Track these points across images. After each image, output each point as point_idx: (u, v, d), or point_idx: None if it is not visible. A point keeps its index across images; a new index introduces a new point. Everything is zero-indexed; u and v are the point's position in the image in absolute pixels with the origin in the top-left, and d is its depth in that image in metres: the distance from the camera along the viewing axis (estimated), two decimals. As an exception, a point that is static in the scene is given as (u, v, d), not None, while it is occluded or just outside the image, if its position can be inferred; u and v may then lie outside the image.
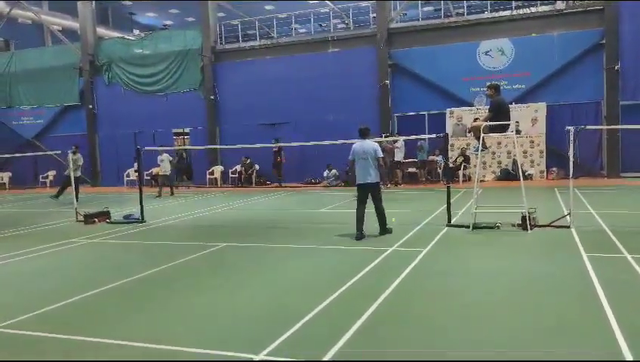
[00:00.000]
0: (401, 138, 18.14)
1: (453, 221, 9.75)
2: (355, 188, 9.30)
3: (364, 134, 9.08)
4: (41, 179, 26.02)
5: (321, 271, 6.90)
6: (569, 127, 9.39)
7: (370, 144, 8.93)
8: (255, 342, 4.33)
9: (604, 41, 18.30)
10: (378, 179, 8.98)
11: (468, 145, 19.01)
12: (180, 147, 26.16)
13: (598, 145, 18.93)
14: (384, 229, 9.06)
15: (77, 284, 6.56)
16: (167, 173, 18.46)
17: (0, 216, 14.81)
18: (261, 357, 4.05)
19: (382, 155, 8.93)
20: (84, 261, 8.23)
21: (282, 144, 19.35)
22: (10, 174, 26.96)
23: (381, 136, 19.12)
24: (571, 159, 9.37)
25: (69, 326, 5.00)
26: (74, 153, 15.76)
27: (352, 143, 9.34)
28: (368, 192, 8.97)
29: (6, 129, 27.37)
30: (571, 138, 9.21)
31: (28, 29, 30.33)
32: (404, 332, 4.52)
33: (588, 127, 11.62)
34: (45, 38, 30.58)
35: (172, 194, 18.62)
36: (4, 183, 26.67)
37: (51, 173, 25.72)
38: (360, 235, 8.74)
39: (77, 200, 13.68)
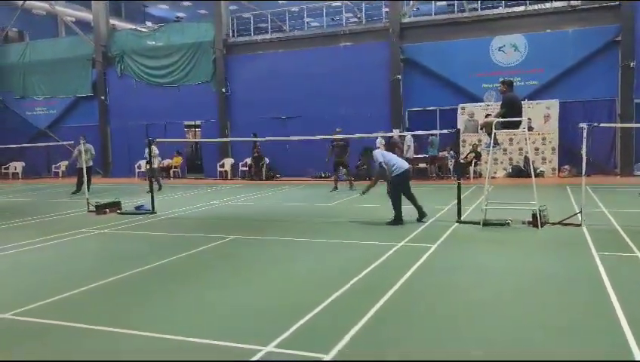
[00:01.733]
0: (409, 134, 18.10)
1: (463, 217, 9.70)
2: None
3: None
4: (53, 169, 26.27)
5: (328, 265, 6.90)
6: (582, 125, 9.29)
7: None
8: (262, 334, 4.35)
9: (619, 38, 18.06)
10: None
11: (479, 141, 18.89)
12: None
13: (612, 143, 18.73)
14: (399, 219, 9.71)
15: (87, 274, 6.62)
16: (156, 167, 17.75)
17: (12, 206, 14.97)
18: (269, 348, 4.07)
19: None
20: (95, 251, 8.31)
21: (259, 139, 19.51)
22: (23, 164, 27.24)
23: (392, 131, 19.08)
24: (584, 157, 9.28)
25: (78, 315, 5.05)
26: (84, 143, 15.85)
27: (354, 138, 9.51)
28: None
29: (19, 119, 27.63)
30: (584, 135, 9.11)
31: (42, 20, 30.57)
32: (410, 329, 4.51)
33: (602, 124, 11.49)
34: (59, 29, 30.80)
35: (160, 188, 16.95)
36: (17, 173, 26.96)
37: (63, 164, 25.92)
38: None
39: (88, 191, 13.80)
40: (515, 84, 10.07)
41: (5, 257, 7.88)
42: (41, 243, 8.85)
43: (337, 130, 16.04)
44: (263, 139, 19.45)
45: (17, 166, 27.13)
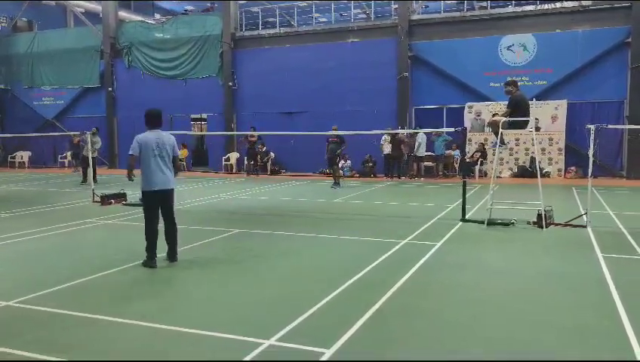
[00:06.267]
0: (421, 131, 18.11)
1: (467, 216, 9.69)
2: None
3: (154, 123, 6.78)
4: (59, 159, 26.37)
5: (332, 261, 6.91)
6: (590, 126, 9.25)
7: (168, 137, 6.84)
8: (265, 327, 4.36)
9: (629, 40, 17.93)
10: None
11: (486, 140, 18.83)
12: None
13: (619, 146, 18.63)
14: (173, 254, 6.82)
15: (92, 264, 6.65)
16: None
17: (18, 195, 15.05)
18: (271, 341, 4.08)
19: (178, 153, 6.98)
20: (100, 241, 8.35)
21: (259, 132, 19.70)
22: (29, 153, 27.37)
23: (402, 128, 19.07)
24: (591, 158, 9.24)
25: (83, 304, 5.07)
26: (93, 135, 16.04)
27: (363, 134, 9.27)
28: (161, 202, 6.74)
29: (27, 109, 27.75)
30: (592, 137, 9.07)
31: (51, 10, 30.63)
32: (413, 325, 4.52)
33: (609, 126, 11.43)
34: (68, 19, 30.87)
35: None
36: (24, 162, 27.09)
37: (70, 154, 26.03)
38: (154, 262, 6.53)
39: (95, 181, 13.87)
40: (519, 82, 9.95)
41: (10, 245, 7.93)
42: (46, 232, 8.90)
43: (333, 127, 15.99)
44: (262, 133, 19.64)
45: (24, 155, 27.28)
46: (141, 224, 6.81)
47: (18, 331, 4.42)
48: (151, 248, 6.53)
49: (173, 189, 6.81)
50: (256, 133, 19.93)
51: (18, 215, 10.97)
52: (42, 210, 11.61)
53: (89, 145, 15.15)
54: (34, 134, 23.54)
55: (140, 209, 6.88)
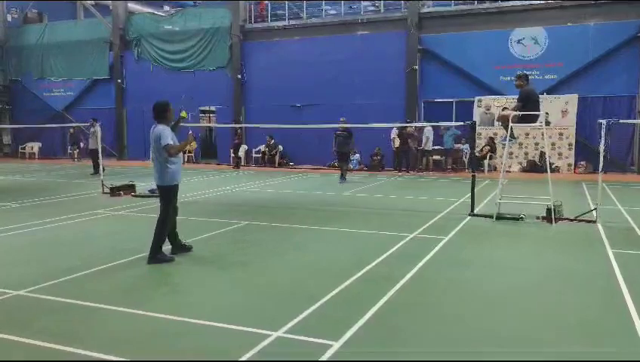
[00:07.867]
0: (429, 125, 18.02)
1: (476, 210, 9.65)
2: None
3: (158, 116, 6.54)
4: (69, 151, 26.52)
5: (340, 254, 6.90)
6: (601, 120, 9.16)
7: (155, 129, 6.46)
8: (273, 319, 4.38)
9: (643, 34, 17.73)
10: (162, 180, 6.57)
11: (495, 134, 18.71)
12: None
13: (630, 141, 18.44)
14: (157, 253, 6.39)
15: (100, 255, 6.69)
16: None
17: (28, 185, 15.16)
18: (279, 333, 4.10)
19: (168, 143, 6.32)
20: (109, 232, 8.39)
21: (244, 125, 19.74)
22: (39, 144, 27.55)
23: (407, 122, 19.00)
24: (602, 153, 9.16)
25: (92, 294, 5.11)
26: (93, 126, 16.26)
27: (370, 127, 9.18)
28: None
29: (37, 100, 27.89)
30: (603, 131, 8.99)
31: (61, 2, 30.68)
32: (419, 320, 4.51)
33: (621, 121, 11.30)
34: (78, 11, 30.95)
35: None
36: (34, 153, 27.27)
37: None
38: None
39: (102, 171, 13.98)
40: (530, 77, 9.86)
41: (20, 236, 8.00)
42: (56, 223, 8.96)
43: (341, 119, 15.78)
44: (246, 125, 19.74)
45: (34, 146, 27.46)
46: (149, 215, 6.83)
47: (27, 320, 4.47)
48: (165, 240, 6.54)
49: (159, 186, 6.59)
50: (239, 126, 20.13)
51: (28, 205, 11.05)
52: (52, 201, 11.69)
53: (99, 135, 15.23)
54: (44, 125, 23.70)
55: (150, 200, 6.85)
